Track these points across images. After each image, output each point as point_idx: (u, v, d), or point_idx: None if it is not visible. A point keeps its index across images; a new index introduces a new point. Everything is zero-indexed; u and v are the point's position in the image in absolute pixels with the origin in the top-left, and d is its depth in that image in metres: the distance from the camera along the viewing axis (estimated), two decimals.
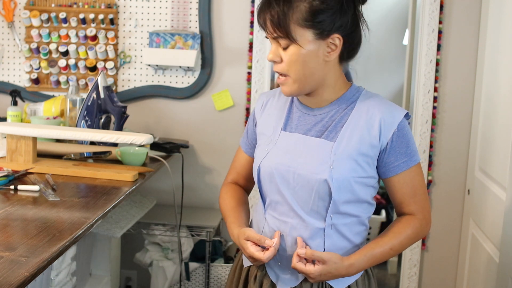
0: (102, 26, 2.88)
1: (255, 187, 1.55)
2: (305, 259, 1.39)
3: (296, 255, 1.38)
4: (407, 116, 1.44)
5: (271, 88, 3.33)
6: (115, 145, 2.37)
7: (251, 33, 2.84)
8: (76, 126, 2.41)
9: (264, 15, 1.37)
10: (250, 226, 1.58)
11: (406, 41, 4.25)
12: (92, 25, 2.88)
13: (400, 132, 1.42)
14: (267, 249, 1.40)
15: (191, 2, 2.85)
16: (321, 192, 1.39)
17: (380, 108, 1.43)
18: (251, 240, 1.42)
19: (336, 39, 1.37)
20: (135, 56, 2.91)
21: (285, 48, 1.38)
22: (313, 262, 1.38)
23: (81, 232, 1.47)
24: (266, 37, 1.42)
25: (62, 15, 2.87)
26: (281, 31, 1.36)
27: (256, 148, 1.55)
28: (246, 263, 1.55)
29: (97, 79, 2.41)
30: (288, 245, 1.44)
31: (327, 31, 1.36)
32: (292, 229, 1.43)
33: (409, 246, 1.50)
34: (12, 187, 1.81)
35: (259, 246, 1.42)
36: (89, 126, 2.39)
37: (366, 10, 1.43)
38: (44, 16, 2.88)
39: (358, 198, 1.43)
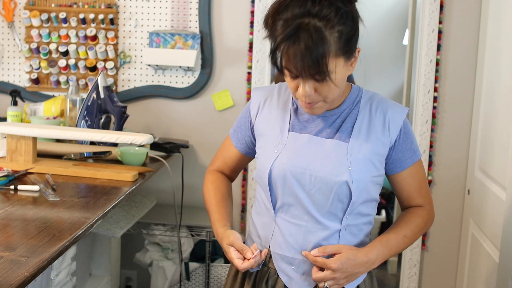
0: (102, 26, 2.88)
1: (251, 187, 1.53)
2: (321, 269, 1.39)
3: (314, 268, 1.39)
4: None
5: None
6: (115, 145, 2.37)
7: (251, 33, 2.84)
8: (76, 126, 2.41)
9: (301, 63, 1.26)
10: (250, 229, 1.55)
11: (406, 41, 4.25)
12: (92, 25, 2.88)
13: (405, 128, 1.46)
14: (248, 260, 1.40)
15: (191, 2, 2.85)
16: (340, 194, 1.38)
17: (385, 106, 1.45)
18: (235, 247, 1.43)
19: (357, 52, 1.36)
20: (135, 56, 2.91)
21: (319, 83, 1.30)
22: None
23: (81, 232, 1.47)
24: (292, 76, 1.32)
25: (62, 15, 2.87)
26: (321, 73, 1.27)
27: (258, 149, 1.51)
28: (252, 268, 1.50)
29: (97, 79, 2.41)
30: (302, 248, 1.42)
31: (354, 51, 1.34)
32: (307, 232, 1.41)
33: (419, 237, 1.52)
34: (12, 187, 1.81)
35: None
36: (89, 126, 2.39)
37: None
38: (44, 16, 2.88)
39: (371, 198, 1.44)
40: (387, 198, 4.19)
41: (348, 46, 1.30)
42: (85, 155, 2.24)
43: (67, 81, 2.94)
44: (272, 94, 1.53)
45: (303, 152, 1.41)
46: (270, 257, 1.46)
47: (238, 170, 1.67)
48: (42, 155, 2.22)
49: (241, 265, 1.40)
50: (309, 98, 1.34)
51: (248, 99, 2.87)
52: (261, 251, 1.43)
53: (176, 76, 2.91)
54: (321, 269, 1.39)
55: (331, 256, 1.39)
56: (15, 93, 2.61)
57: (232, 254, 1.42)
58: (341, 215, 1.41)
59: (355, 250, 1.40)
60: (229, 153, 1.63)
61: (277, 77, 4.05)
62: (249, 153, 1.61)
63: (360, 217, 1.44)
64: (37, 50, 2.91)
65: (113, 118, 2.47)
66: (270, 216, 1.47)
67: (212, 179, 1.63)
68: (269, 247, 1.46)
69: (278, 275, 1.45)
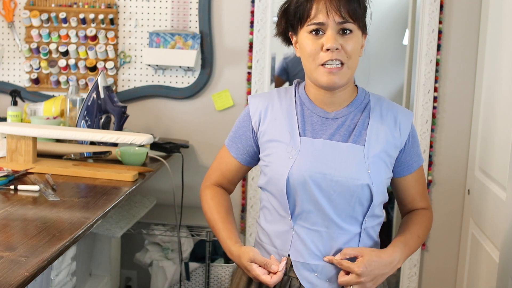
0: (102, 26, 2.88)
1: (250, 193, 1.52)
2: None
3: (341, 272, 1.39)
4: None
5: (271, 88, 3.33)
6: (115, 145, 2.37)
7: (251, 33, 2.84)
8: (76, 126, 2.41)
9: (341, 2, 1.33)
10: (261, 238, 1.51)
11: (406, 41, 4.25)
12: (92, 25, 2.88)
13: (413, 132, 1.48)
14: (274, 273, 1.38)
15: (191, 2, 2.85)
16: (361, 197, 1.38)
17: (395, 110, 1.47)
18: (256, 263, 1.39)
19: (365, 39, 1.43)
20: (135, 56, 2.91)
21: (344, 35, 1.35)
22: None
23: (81, 232, 1.47)
24: (316, 30, 1.35)
25: (62, 15, 2.87)
26: (359, 16, 1.35)
27: (267, 156, 1.46)
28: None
29: (97, 79, 2.41)
30: (324, 254, 1.41)
31: (366, 28, 1.41)
32: (329, 238, 1.40)
33: (425, 238, 1.56)
34: (12, 187, 1.81)
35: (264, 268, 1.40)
36: (89, 126, 2.39)
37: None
38: (44, 16, 2.88)
39: (385, 199, 1.45)
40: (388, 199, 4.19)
41: (365, 18, 1.38)
42: (85, 155, 2.24)
43: (67, 81, 2.94)
44: (272, 100, 1.49)
45: (319, 157, 1.39)
46: (291, 266, 1.43)
47: (237, 182, 1.61)
48: (42, 155, 2.22)
49: (270, 280, 1.37)
50: (336, 53, 1.34)
51: None
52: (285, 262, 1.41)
53: (176, 76, 2.91)
54: (347, 272, 1.38)
55: (353, 259, 1.39)
56: (15, 93, 2.61)
57: (258, 271, 1.38)
58: (361, 219, 1.41)
59: (378, 251, 1.40)
60: (228, 166, 1.57)
61: (277, 78, 4.06)
62: (251, 163, 1.56)
63: (375, 219, 1.45)
64: (37, 50, 2.91)
65: (113, 118, 2.47)
66: (286, 224, 1.43)
67: (211, 194, 1.57)
68: (288, 255, 1.43)
69: (300, 284, 1.43)
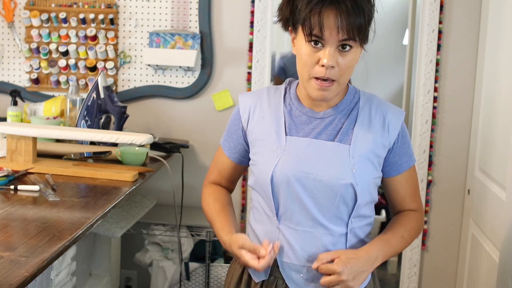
0: (102, 26, 2.88)
1: (246, 193, 1.51)
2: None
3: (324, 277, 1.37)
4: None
5: None
6: (115, 145, 2.37)
7: (251, 33, 2.84)
8: (76, 126, 2.41)
9: (346, 21, 1.27)
10: (250, 237, 1.50)
11: (406, 41, 4.26)
12: (92, 25, 2.88)
13: (403, 131, 1.46)
14: (263, 258, 1.37)
15: (191, 2, 2.85)
16: (345, 197, 1.37)
17: (384, 109, 1.45)
18: (245, 249, 1.39)
19: (363, 49, 1.38)
20: (135, 56, 2.91)
21: (343, 51, 1.31)
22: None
23: (81, 232, 1.47)
24: (315, 40, 1.31)
25: (62, 15, 2.88)
26: (363, 32, 1.31)
27: (254, 155, 1.47)
28: (258, 277, 1.48)
29: (97, 79, 2.41)
30: (310, 255, 1.40)
31: (367, 39, 1.36)
32: (314, 238, 1.40)
33: (413, 240, 1.52)
34: (12, 187, 1.81)
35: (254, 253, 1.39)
36: (89, 126, 2.39)
37: None
38: (44, 16, 2.88)
39: (373, 199, 1.44)
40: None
41: (367, 30, 1.33)
42: (85, 155, 2.24)
43: (67, 81, 2.94)
44: (261, 98, 1.49)
45: (304, 156, 1.39)
46: (277, 266, 1.43)
47: (235, 180, 1.63)
48: (42, 155, 2.22)
49: (258, 265, 1.36)
50: (329, 72, 1.31)
51: None
52: (273, 245, 1.39)
53: (176, 76, 2.91)
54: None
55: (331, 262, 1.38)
56: (15, 93, 2.61)
57: (246, 257, 1.38)
58: (346, 219, 1.40)
59: (353, 250, 1.39)
60: (223, 164, 1.59)
61: (277, 78, 4.06)
62: (243, 162, 1.57)
63: (363, 219, 1.44)
64: (37, 50, 2.91)
65: (113, 118, 2.47)
66: (272, 224, 1.43)
67: (209, 191, 1.59)
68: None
69: (286, 284, 1.43)
